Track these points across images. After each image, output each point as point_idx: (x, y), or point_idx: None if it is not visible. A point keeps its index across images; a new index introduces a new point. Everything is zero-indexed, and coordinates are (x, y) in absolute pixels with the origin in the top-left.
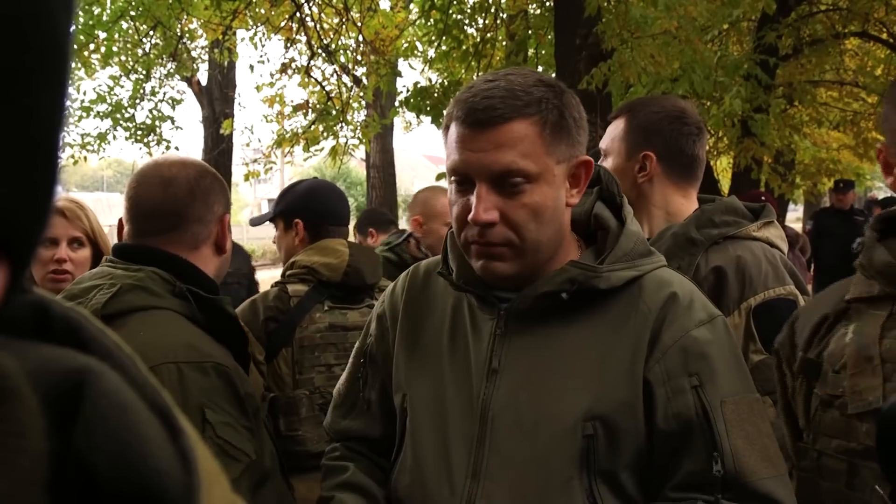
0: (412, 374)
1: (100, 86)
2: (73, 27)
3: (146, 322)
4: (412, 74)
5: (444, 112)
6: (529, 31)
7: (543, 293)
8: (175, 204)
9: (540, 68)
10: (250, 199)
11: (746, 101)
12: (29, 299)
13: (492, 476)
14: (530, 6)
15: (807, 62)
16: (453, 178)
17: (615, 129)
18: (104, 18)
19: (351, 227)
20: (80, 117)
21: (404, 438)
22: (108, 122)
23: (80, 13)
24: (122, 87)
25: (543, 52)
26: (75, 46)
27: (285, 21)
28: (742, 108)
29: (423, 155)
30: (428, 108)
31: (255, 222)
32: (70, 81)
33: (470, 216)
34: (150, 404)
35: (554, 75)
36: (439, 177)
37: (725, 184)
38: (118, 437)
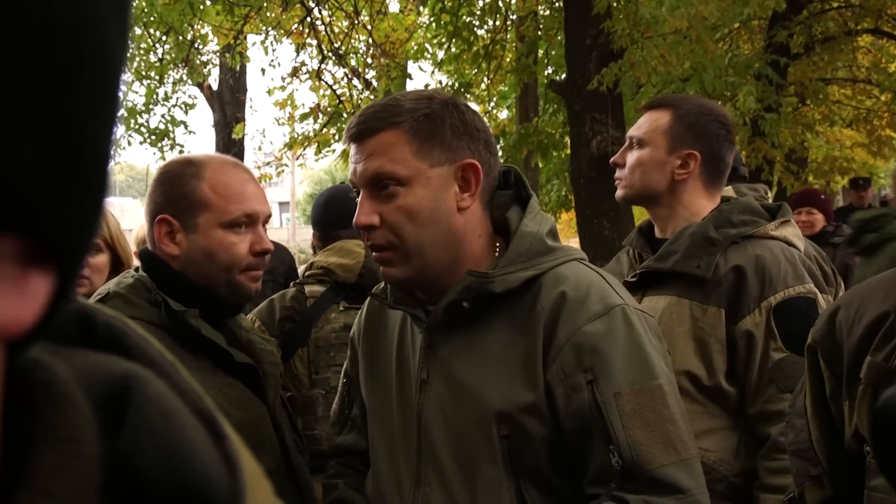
0: (369, 391)
1: None
2: (128, 35)
3: None
4: (422, 77)
5: None
6: (539, 33)
7: (448, 303)
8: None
9: (550, 69)
10: None
11: (757, 101)
12: (73, 307)
13: (430, 482)
14: (540, 7)
15: (819, 60)
16: (353, 192)
17: (657, 121)
18: None
19: None
20: None
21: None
22: (122, 128)
23: None
24: (135, 92)
25: (554, 52)
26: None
27: (296, 25)
28: (753, 107)
29: None
30: None
31: None
32: (121, 86)
33: (354, 221)
34: (194, 410)
35: (564, 76)
36: None
37: None
38: (164, 442)
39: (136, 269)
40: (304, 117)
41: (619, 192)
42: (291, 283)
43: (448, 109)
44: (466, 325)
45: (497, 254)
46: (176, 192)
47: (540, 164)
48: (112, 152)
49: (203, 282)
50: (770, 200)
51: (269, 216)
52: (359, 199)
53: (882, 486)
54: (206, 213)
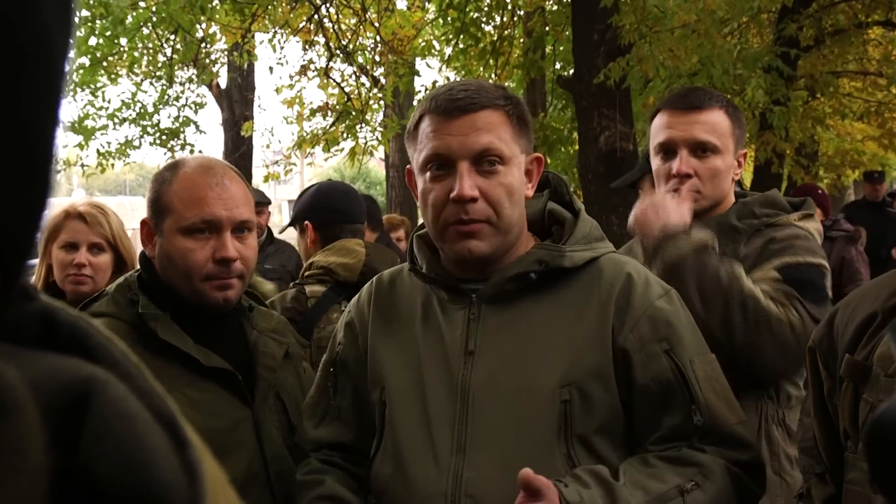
0: (389, 368)
1: (123, 93)
2: (71, 42)
3: None
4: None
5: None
6: (547, 28)
7: (514, 275)
8: None
9: (558, 65)
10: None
11: (767, 94)
12: (36, 307)
13: (476, 447)
14: (547, 3)
15: (829, 53)
16: (430, 165)
17: (720, 123)
18: (127, 25)
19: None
20: (106, 126)
21: (384, 433)
22: (134, 129)
23: (105, 22)
24: (145, 92)
25: (561, 48)
26: (98, 55)
27: (303, 23)
28: (762, 101)
29: None
30: None
31: (280, 232)
32: (64, 92)
33: (453, 193)
34: (156, 414)
35: (572, 71)
36: None
37: (747, 177)
38: (123, 448)
39: (137, 270)
40: (313, 113)
41: (693, 205)
42: (291, 284)
43: (523, 105)
44: (521, 298)
45: (536, 242)
46: (153, 194)
47: (548, 160)
48: (55, 151)
49: (171, 285)
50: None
51: (246, 222)
52: (458, 172)
53: (858, 479)
54: (169, 217)
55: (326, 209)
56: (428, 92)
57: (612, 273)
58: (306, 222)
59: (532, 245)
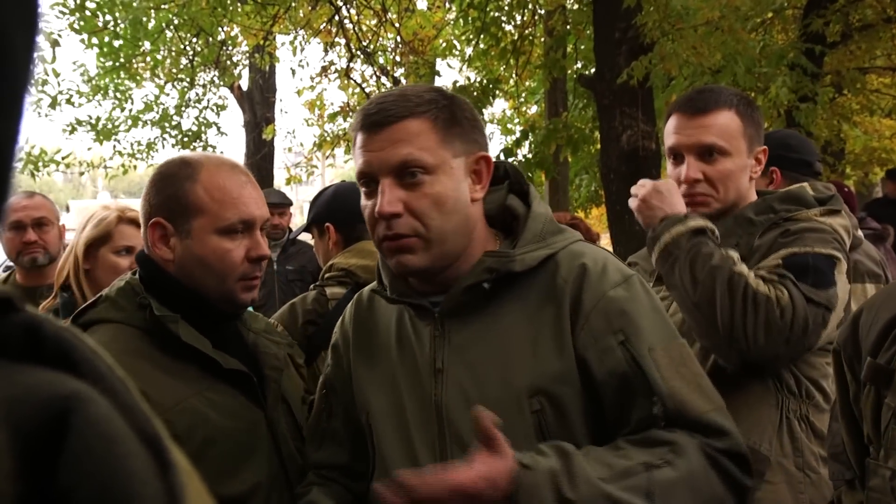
0: (370, 392)
1: (146, 95)
2: (35, 49)
3: (93, 335)
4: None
5: (485, 111)
6: (568, 27)
7: (467, 287)
8: None
9: (579, 64)
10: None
11: (792, 91)
12: (21, 318)
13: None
14: (568, 1)
15: (856, 48)
16: (361, 182)
17: (729, 124)
18: (149, 29)
19: None
20: (130, 126)
21: (375, 455)
22: (156, 131)
23: (127, 26)
24: (167, 94)
25: (583, 46)
26: (122, 59)
27: (324, 24)
28: (787, 98)
29: None
30: None
31: (295, 235)
32: (27, 100)
33: (376, 210)
34: (140, 434)
35: (594, 70)
36: None
37: None
38: (103, 473)
39: (134, 273)
40: (332, 117)
41: (705, 210)
42: (312, 286)
43: (461, 103)
44: (480, 308)
45: (499, 241)
46: (170, 194)
47: (569, 159)
48: (13, 159)
49: (195, 287)
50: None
51: (268, 220)
52: (380, 188)
53: (880, 487)
54: (201, 217)
55: (348, 210)
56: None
57: (567, 267)
58: (327, 224)
59: (486, 251)
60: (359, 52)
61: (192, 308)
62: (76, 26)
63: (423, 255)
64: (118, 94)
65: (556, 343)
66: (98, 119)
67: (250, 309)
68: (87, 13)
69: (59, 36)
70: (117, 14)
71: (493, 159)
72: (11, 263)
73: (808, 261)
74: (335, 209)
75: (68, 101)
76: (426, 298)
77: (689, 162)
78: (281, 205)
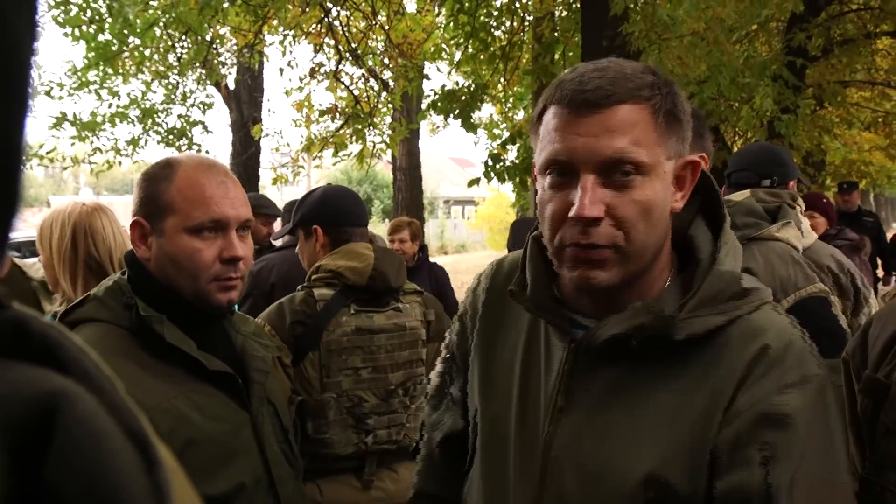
0: (484, 391)
1: (133, 91)
2: (35, 50)
3: (79, 335)
4: (439, 77)
5: (473, 116)
6: (556, 34)
7: (611, 337)
8: None
9: (567, 70)
10: (278, 202)
11: (775, 102)
12: (7, 315)
13: None
14: (557, 8)
15: (837, 62)
16: (550, 170)
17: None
18: (138, 25)
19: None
20: (115, 122)
21: (474, 456)
22: (140, 128)
23: (114, 21)
24: (153, 91)
25: (571, 53)
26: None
27: (314, 26)
28: (770, 109)
29: (449, 157)
30: (455, 111)
31: (277, 237)
32: (31, 96)
33: (572, 211)
34: (127, 431)
35: None
36: (471, 183)
37: None
38: (90, 469)
39: (123, 273)
40: (323, 114)
41: None
42: (299, 287)
43: (678, 92)
44: (628, 358)
45: (670, 275)
46: (148, 194)
47: None
48: (23, 149)
49: (171, 287)
50: (803, 207)
51: (248, 221)
52: (581, 184)
53: (870, 502)
54: (172, 216)
55: (336, 212)
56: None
57: (740, 346)
58: (315, 226)
59: (665, 276)
60: (348, 55)
61: (177, 308)
62: (59, 19)
63: (616, 270)
64: (102, 89)
65: (699, 434)
66: (80, 115)
67: (239, 311)
68: (72, 6)
69: (42, 28)
70: (102, 9)
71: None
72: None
73: (811, 315)
74: (324, 212)
75: (47, 94)
76: (573, 315)
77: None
78: (269, 215)
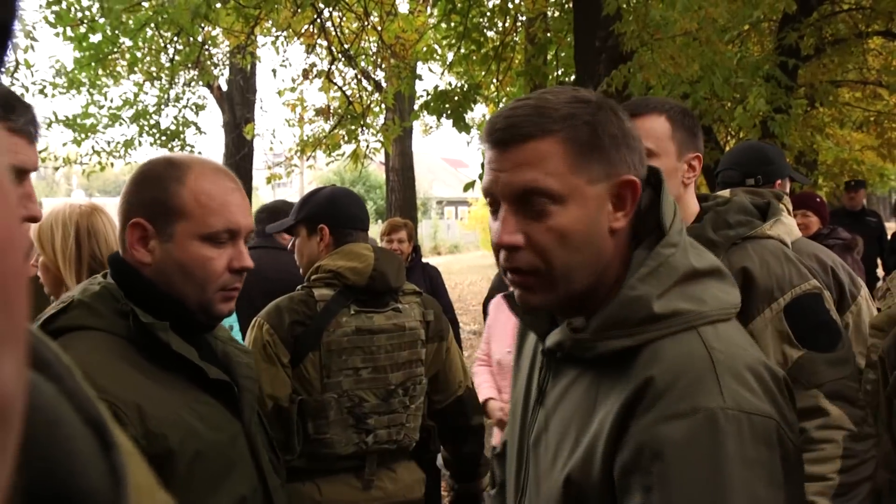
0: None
1: (125, 93)
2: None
3: (63, 344)
4: (432, 78)
5: (466, 116)
6: (549, 34)
7: (546, 349)
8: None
9: (560, 71)
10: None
11: (768, 102)
12: None
13: (530, 497)
14: (549, 9)
15: (829, 62)
16: (486, 200)
17: (657, 128)
18: (130, 26)
19: (376, 231)
20: (108, 124)
21: None
22: (133, 129)
23: (104, 23)
24: (146, 93)
25: (563, 54)
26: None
27: (306, 26)
28: (763, 109)
29: (442, 158)
30: (448, 112)
31: (273, 229)
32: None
33: (493, 240)
34: (85, 417)
35: (573, 78)
36: (467, 187)
37: None
38: (48, 455)
39: (104, 276)
40: (318, 113)
41: None
42: (299, 287)
43: (607, 115)
44: (579, 365)
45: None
46: (154, 194)
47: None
48: None
49: (173, 294)
50: (790, 205)
51: (252, 231)
52: (500, 215)
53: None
54: (185, 222)
55: (344, 215)
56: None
57: (634, 373)
58: (322, 225)
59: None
60: (340, 55)
61: (174, 316)
62: (51, 20)
63: (545, 294)
64: (92, 90)
65: (594, 448)
66: (76, 117)
67: None
68: (63, 6)
69: (34, 28)
70: (94, 9)
71: (642, 182)
72: None
73: (805, 313)
74: (332, 212)
75: (41, 92)
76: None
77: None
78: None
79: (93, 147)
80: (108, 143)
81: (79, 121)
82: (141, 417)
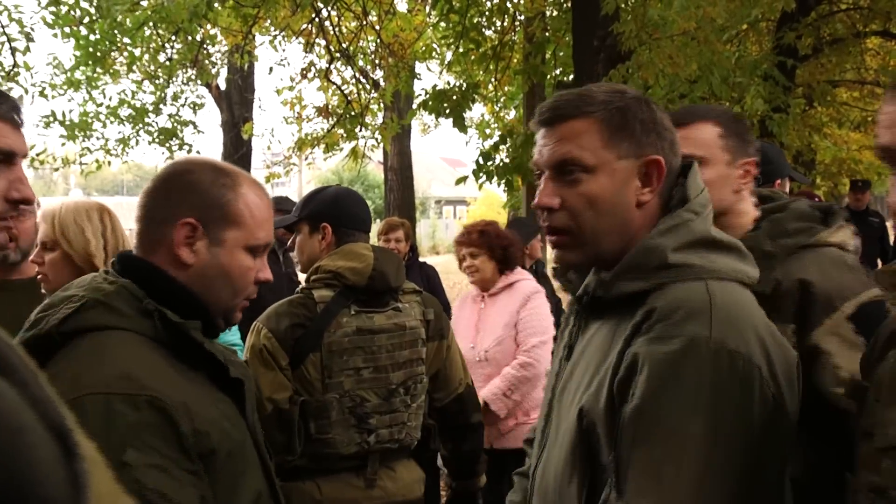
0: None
1: (123, 91)
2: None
3: (96, 344)
4: (430, 77)
5: (464, 116)
6: (547, 34)
7: (577, 296)
8: (141, 201)
9: (558, 70)
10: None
11: (766, 102)
12: None
13: (550, 446)
14: (548, 8)
15: (827, 62)
16: (536, 175)
17: (707, 135)
18: (128, 25)
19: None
20: (105, 123)
21: None
22: (129, 127)
23: (102, 23)
24: (144, 91)
25: (562, 53)
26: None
27: (305, 25)
28: (762, 108)
29: (441, 157)
30: (446, 111)
31: (276, 225)
32: None
33: (534, 201)
34: (48, 424)
35: (572, 77)
36: (458, 181)
37: None
38: (8, 463)
39: (107, 272)
40: (318, 112)
41: None
42: (298, 288)
43: (639, 105)
44: (602, 315)
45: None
46: (208, 199)
47: None
48: None
49: (205, 297)
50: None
51: (269, 245)
52: (542, 182)
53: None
54: (236, 230)
55: (348, 215)
56: None
57: (644, 307)
58: (325, 224)
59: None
60: (338, 54)
61: (199, 318)
62: (49, 20)
63: (576, 252)
64: (90, 88)
65: (603, 380)
66: (70, 113)
67: None
68: (62, 7)
69: (32, 30)
70: (92, 9)
71: (669, 164)
72: None
73: (871, 321)
74: (336, 212)
75: (41, 94)
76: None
77: None
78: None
79: (89, 148)
80: (106, 140)
81: (76, 119)
82: (189, 416)
